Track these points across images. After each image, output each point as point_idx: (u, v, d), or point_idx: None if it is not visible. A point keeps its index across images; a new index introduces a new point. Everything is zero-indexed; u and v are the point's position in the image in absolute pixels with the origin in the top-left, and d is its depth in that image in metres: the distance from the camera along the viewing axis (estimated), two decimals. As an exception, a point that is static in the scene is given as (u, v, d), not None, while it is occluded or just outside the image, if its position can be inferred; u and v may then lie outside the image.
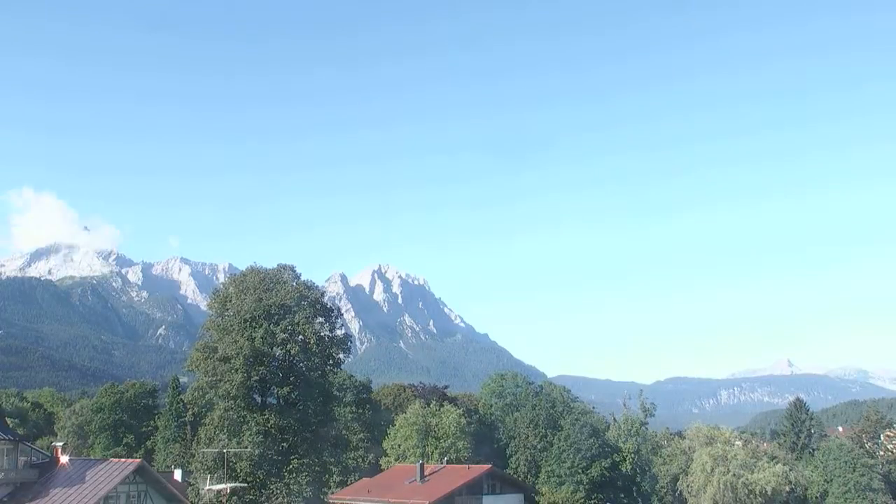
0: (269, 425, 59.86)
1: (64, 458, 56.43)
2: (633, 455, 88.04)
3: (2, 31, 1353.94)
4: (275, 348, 60.74)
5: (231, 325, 61.51)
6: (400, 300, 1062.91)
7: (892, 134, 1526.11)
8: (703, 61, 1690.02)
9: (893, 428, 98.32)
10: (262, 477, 58.85)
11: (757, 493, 74.37)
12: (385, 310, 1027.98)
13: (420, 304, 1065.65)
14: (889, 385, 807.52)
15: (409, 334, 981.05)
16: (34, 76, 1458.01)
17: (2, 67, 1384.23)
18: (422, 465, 69.96)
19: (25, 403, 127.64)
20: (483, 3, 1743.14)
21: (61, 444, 62.61)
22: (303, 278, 65.86)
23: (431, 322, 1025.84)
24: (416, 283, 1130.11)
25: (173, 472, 72.86)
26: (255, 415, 59.48)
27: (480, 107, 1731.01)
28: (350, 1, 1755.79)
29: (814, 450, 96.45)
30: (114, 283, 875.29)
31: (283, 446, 60.81)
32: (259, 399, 62.05)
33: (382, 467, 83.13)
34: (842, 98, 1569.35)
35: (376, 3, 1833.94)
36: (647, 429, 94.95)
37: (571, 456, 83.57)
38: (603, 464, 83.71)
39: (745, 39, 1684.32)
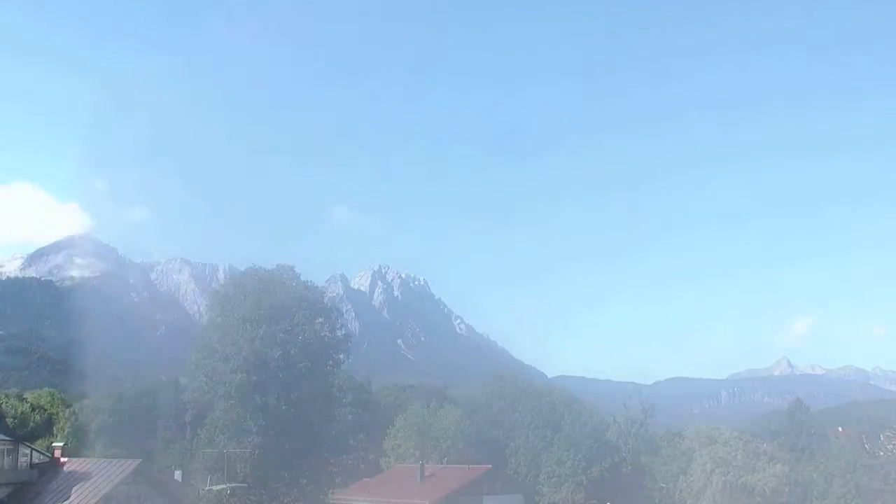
0: (269, 426, 59.96)
1: (64, 459, 56.46)
2: (632, 456, 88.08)
3: None
4: (275, 349, 60.80)
5: (231, 326, 61.62)
6: (400, 301, 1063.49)
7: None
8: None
9: (893, 428, 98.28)
10: (262, 477, 58.95)
11: (757, 493, 74.43)
12: (385, 310, 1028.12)
13: (420, 304, 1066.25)
14: (889, 385, 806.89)
15: (409, 335, 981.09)
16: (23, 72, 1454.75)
17: None
18: (422, 466, 69.99)
19: (25, 404, 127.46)
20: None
21: (61, 444, 62.60)
22: (302, 279, 66.09)
23: (431, 322, 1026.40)
24: (416, 283, 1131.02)
25: (173, 473, 72.84)
26: (255, 415, 59.58)
27: (483, 107, 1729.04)
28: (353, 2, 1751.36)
29: (814, 450, 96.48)
30: (114, 284, 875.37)
31: (283, 447, 60.92)
32: (259, 399, 62.10)
33: (382, 467, 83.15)
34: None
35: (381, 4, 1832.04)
36: (646, 430, 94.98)
37: (571, 456, 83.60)
38: (603, 464, 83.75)
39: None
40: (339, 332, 67.00)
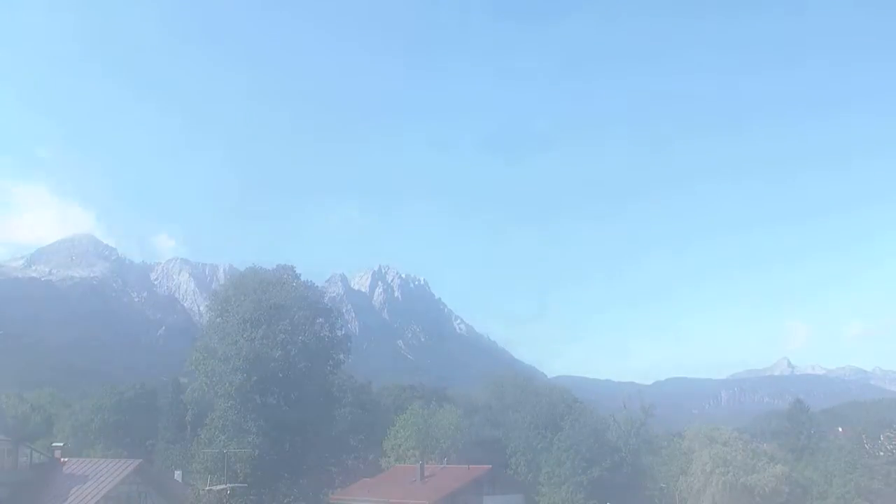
0: (269, 426, 59.95)
1: (64, 459, 56.48)
2: (632, 456, 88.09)
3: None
4: (275, 349, 60.80)
5: (231, 327, 61.64)
6: (400, 301, 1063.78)
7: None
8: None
9: (893, 428, 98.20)
10: (261, 477, 58.92)
11: (757, 493, 74.47)
12: (385, 310, 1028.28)
13: (420, 304, 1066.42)
14: (889, 385, 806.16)
15: (409, 335, 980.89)
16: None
17: None
18: (422, 466, 69.98)
19: (25, 404, 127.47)
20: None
21: (61, 444, 62.63)
22: (302, 279, 66.13)
23: (431, 322, 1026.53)
24: (416, 283, 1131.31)
25: (173, 473, 72.83)
26: (254, 415, 59.59)
27: (482, 106, 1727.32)
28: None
29: (814, 450, 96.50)
30: (114, 284, 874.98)
31: (283, 447, 60.91)
32: (259, 399, 62.11)
33: (382, 467, 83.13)
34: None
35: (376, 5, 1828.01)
36: (646, 430, 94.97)
37: (571, 457, 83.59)
38: (603, 465, 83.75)
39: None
40: (339, 333, 67.02)
